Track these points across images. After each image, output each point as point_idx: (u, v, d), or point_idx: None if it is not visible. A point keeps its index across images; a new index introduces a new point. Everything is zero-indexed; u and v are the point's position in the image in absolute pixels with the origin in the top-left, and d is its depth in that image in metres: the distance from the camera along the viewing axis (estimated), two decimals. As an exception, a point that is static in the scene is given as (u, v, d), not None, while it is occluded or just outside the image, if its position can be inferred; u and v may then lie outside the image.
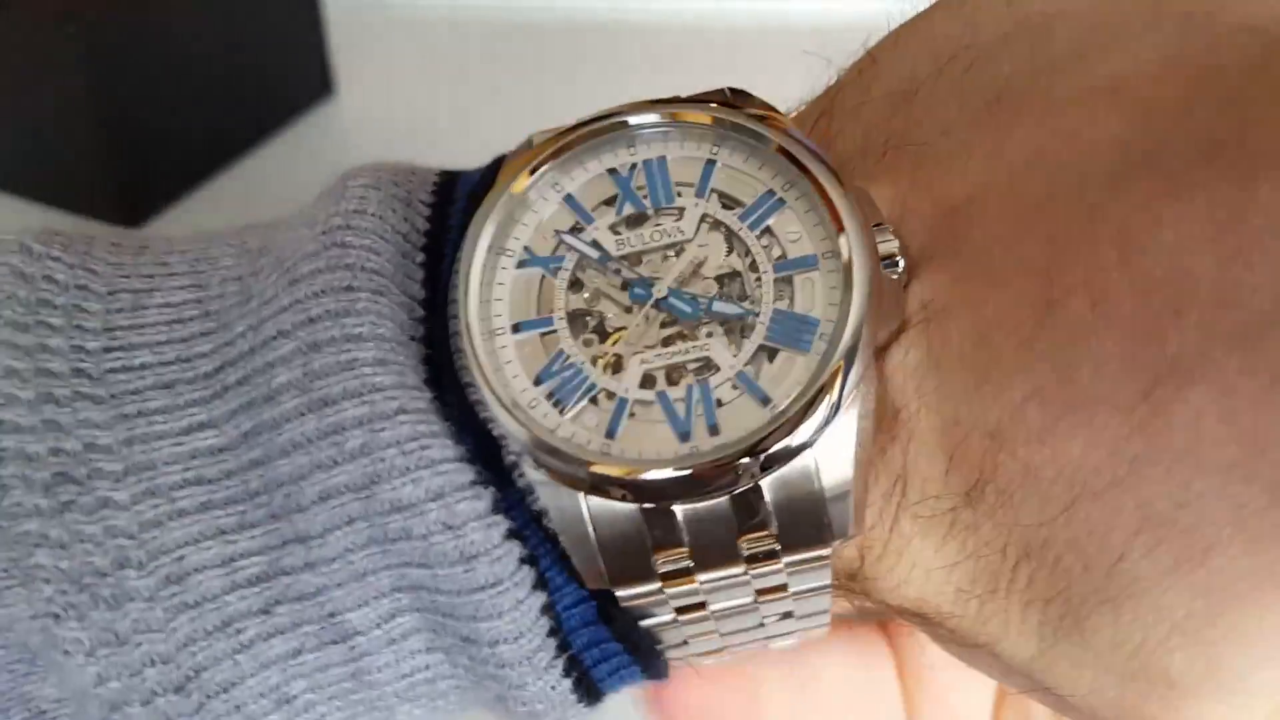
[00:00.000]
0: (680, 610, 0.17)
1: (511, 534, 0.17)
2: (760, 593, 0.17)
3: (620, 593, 0.17)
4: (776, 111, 0.18)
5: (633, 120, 0.18)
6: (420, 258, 0.18)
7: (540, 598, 0.17)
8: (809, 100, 0.20)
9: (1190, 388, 0.15)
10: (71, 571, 0.16)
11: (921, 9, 0.20)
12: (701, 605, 0.17)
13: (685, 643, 0.19)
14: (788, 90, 0.20)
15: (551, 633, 0.17)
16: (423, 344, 0.18)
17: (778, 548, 0.16)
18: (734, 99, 0.18)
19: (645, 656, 0.18)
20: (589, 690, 0.18)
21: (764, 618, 0.18)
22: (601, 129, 0.18)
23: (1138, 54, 0.16)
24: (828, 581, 0.17)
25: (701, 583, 0.17)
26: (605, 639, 0.18)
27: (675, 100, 0.18)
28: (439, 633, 0.17)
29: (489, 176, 0.19)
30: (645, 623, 0.18)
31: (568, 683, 0.18)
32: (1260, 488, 0.14)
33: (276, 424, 0.17)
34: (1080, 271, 0.15)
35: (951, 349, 0.16)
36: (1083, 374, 0.15)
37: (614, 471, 0.16)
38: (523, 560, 0.17)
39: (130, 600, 0.16)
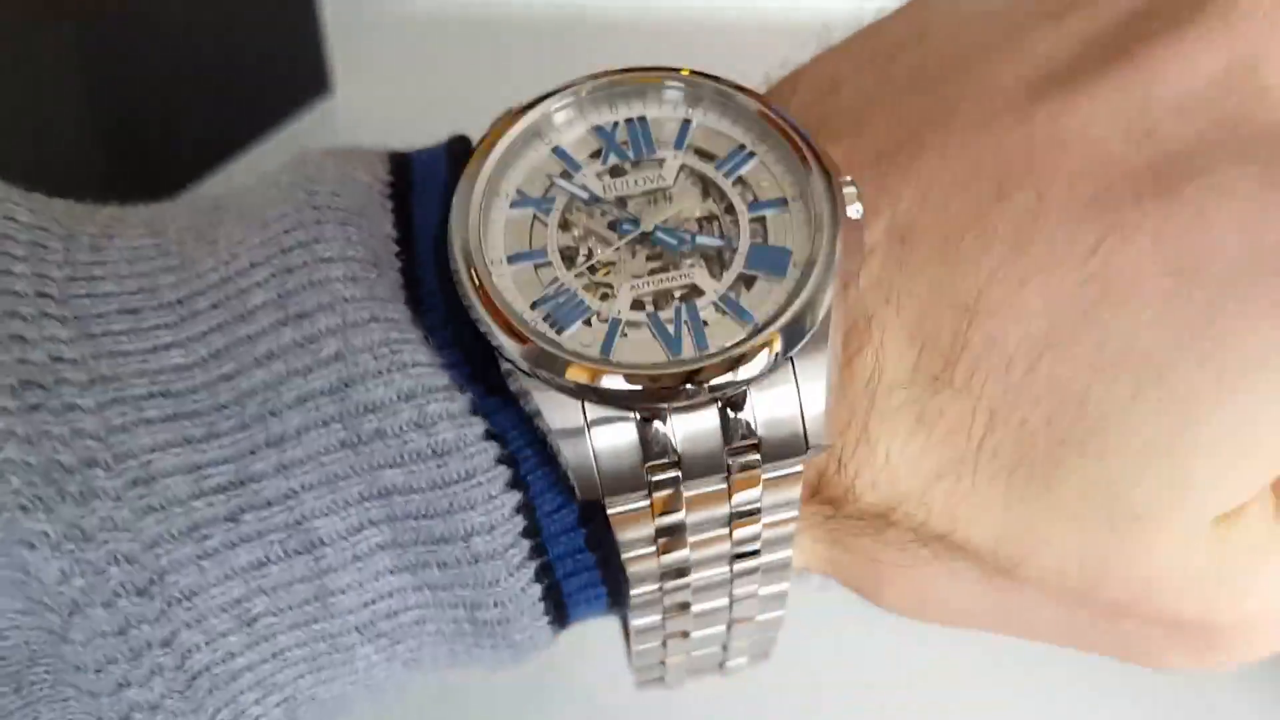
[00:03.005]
0: (661, 532, 0.18)
1: (490, 436, 0.18)
2: (735, 516, 0.19)
3: (611, 507, 0.18)
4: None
5: (613, 82, 0.20)
6: (389, 205, 0.19)
7: (515, 496, 0.18)
8: None
9: (1129, 239, 0.17)
10: (39, 466, 0.16)
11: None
12: (681, 527, 0.18)
13: (658, 591, 0.19)
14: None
15: (526, 533, 0.18)
16: (399, 274, 0.19)
17: (759, 458, 0.18)
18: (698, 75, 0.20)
19: (613, 581, 0.19)
20: (557, 606, 0.19)
21: (734, 548, 0.19)
22: (584, 91, 0.19)
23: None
24: (797, 496, 0.19)
25: (687, 498, 0.18)
26: (580, 549, 0.18)
27: (647, 68, 0.20)
28: (407, 548, 0.18)
29: (455, 147, 0.21)
30: (624, 555, 0.19)
31: (538, 589, 0.18)
32: (1197, 308, 0.17)
33: (252, 338, 0.18)
34: (1021, 170, 0.18)
35: (917, 253, 0.18)
36: (1037, 248, 0.17)
37: (618, 372, 0.17)
38: (499, 460, 0.18)
39: (97, 498, 0.16)
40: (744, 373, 0.17)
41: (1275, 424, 0.17)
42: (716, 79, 0.20)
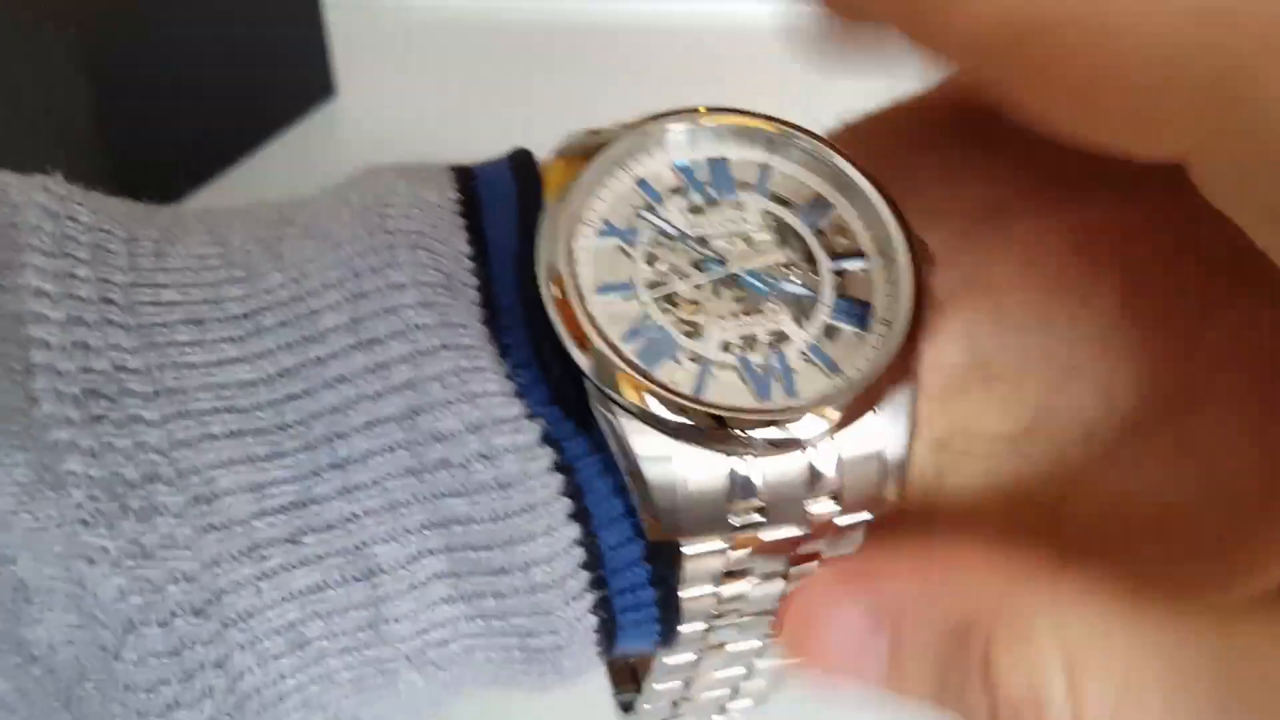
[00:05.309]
0: (728, 574, 0.18)
1: (556, 467, 0.17)
2: (797, 558, 0.19)
3: (688, 547, 0.18)
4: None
5: (695, 122, 0.20)
6: (461, 222, 0.19)
7: (575, 529, 0.18)
8: None
9: None
10: (102, 480, 0.15)
11: None
12: (748, 570, 0.18)
13: (707, 630, 0.19)
14: (786, 91, 0.23)
15: (585, 566, 0.18)
16: (476, 292, 0.18)
17: (839, 509, 0.18)
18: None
19: (667, 618, 0.19)
20: (609, 636, 0.19)
21: (787, 586, 0.19)
22: (665, 126, 0.19)
23: None
24: (860, 540, 0.19)
25: (763, 543, 0.18)
26: (643, 584, 0.18)
27: (725, 109, 0.20)
28: (464, 577, 0.17)
29: (519, 164, 0.20)
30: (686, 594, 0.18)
31: (594, 620, 0.18)
32: None
33: (323, 360, 0.17)
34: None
35: (1012, 315, 0.19)
36: None
37: (717, 411, 0.17)
38: (563, 492, 0.17)
39: (159, 514, 0.16)
40: (803, 429, 0.17)
41: None
42: (796, 126, 0.20)
